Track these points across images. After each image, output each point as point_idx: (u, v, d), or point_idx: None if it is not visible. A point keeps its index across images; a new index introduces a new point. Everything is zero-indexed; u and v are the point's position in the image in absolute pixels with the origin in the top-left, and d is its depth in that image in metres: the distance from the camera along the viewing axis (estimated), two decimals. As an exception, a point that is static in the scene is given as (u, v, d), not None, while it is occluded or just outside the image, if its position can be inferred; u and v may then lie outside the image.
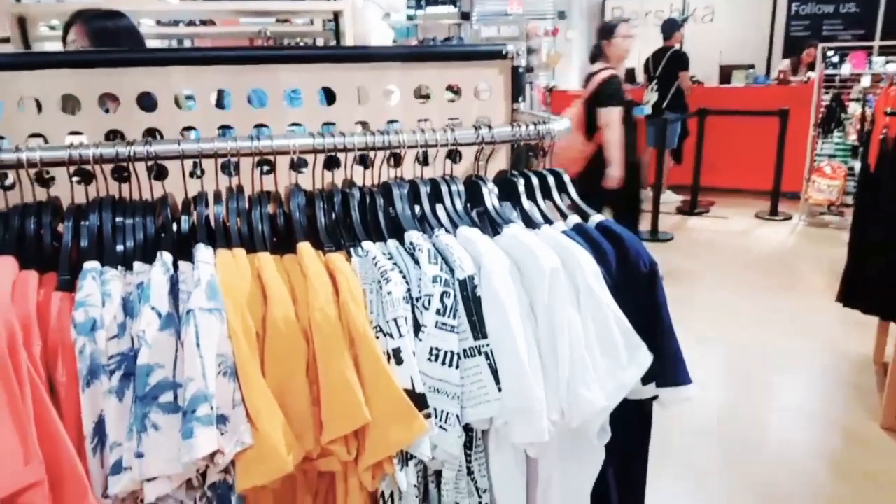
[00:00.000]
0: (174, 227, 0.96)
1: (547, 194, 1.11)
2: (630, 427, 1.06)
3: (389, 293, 0.87)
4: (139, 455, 0.78)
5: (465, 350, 0.92)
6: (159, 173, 1.00)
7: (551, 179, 1.11)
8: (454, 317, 0.91)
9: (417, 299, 0.90)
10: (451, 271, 0.92)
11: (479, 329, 0.92)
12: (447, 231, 1.00)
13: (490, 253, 0.94)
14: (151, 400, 0.79)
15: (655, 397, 1.03)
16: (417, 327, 0.90)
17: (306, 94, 1.26)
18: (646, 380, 1.00)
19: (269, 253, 0.93)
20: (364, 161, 1.10)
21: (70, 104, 1.16)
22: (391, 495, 0.94)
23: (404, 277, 0.92)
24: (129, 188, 0.99)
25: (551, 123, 1.11)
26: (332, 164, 1.09)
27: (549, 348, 0.93)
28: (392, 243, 0.98)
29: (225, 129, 1.26)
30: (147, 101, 1.18)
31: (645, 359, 0.97)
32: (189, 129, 1.22)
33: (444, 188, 1.06)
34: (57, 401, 0.79)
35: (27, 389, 0.75)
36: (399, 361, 0.87)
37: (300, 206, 1.00)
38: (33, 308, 0.80)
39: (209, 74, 1.21)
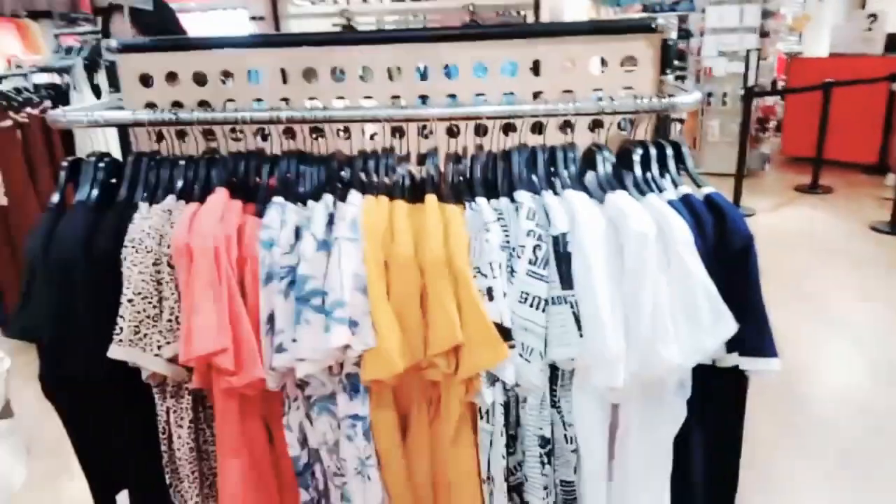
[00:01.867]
0: (340, 175, 1.22)
1: (663, 164, 1.17)
2: (721, 401, 1.11)
3: (487, 241, 1.04)
4: (294, 340, 1.06)
5: (553, 297, 1.06)
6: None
7: (669, 150, 1.17)
8: (545, 267, 1.05)
9: (513, 249, 1.06)
10: (548, 227, 1.06)
11: (566, 280, 1.05)
12: (554, 193, 1.13)
13: (584, 214, 1.05)
14: (305, 301, 1.06)
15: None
16: (512, 272, 1.06)
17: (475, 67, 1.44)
18: (731, 348, 1.04)
19: (403, 201, 1.15)
20: (508, 128, 1.26)
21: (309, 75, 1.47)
22: (486, 412, 1.13)
23: (505, 229, 1.08)
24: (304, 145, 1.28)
25: (678, 97, 1.16)
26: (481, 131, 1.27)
27: (633, 305, 1.03)
28: (504, 201, 1.13)
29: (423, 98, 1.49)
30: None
31: (728, 327, 1.01)
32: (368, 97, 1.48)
33: (559, 155, 1.18)
34: (244, 294, 1.10)
35: (224, 284, 1.07)
36: (491, 298, 1.04)
37: (435, 166, 1.20)
38: (234, 227, 1.11)
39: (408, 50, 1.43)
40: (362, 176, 1.21)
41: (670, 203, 1.08)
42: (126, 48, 1.48)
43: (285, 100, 1.45)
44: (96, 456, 1.28)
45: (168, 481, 1.24)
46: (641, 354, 1.02)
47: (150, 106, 1.47)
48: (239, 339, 1.08)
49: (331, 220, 1.11)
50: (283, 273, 1.09)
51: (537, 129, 1.31)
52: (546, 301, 1.06)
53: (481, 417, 1.13)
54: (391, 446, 1.18)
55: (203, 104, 1.44)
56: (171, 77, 1.45)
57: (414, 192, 1.19)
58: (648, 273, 1.02)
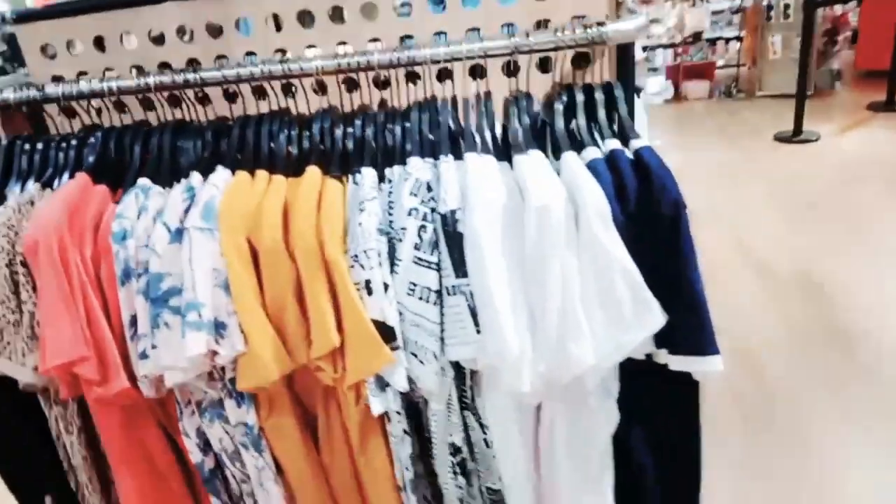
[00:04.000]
0: (221, 148, 1.05)
1: (592, 113, 0.94)
2: (665, 403, 0.91)
3: (360, 224, 0.86)
4: (154, 346, 0.93)
5: (448, 287, 0.87)
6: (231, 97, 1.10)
7: (599, 96, 0.94)
8: (433, 252, 0.86)
9: (395, 231, 0.87)
10: (435, 203, 0.86)
11: (460, 267, 0.86)
12: (456, 158, 0.92)
13: (478, 185, 0.85)
14: (163, 302, 0.92)
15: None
16: (395, 259, 0.88)
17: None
18: (660, 343, 0.84)
19: (283, 176, 0.97)
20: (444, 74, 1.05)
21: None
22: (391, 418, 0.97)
23: (391, 207, 0.89)
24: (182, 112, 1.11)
25: (610, 24, 0.92)
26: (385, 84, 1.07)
27: (537, 295, 0.83)
28: (397, 170, 0.94)
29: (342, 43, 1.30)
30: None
31: (654, 319, 0.81)
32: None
33: (471, 107, 0.96)
34: (104, 295, 0.97)
35: (76, 285, 0.94)
36: (370, 292, 0.87)
37: (324, 129, 1.01)
38: (91, 218, 0.97)
39: None
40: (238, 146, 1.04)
41: (592, 164, 0.86)
42: (22, 17, 1.35)
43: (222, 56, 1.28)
44: (9, 464, 1.21)
45: (73, 487, 1.16)
46: (550, 353, 0.83)
47: (58, 79, 1.34)
48: (100, 347, 0.95)
49: (190, 206, 0.96)
50: (141, 270, 0.94)
51: (482, 73, 1.08)
52: (437, 292, 0.87)
53: (389, 422, 0.98)
54: (295, 455, 1.04)
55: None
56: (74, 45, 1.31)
57: (302, 163, 1.02)
58: (554, 255, 0.81)
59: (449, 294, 0.87)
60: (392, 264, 0.87)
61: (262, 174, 0.98)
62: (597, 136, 0.92)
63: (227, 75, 1.04)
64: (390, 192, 0.91)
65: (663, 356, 0.84)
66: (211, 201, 0.92)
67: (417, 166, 0.91)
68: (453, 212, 0.85)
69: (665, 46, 6.94)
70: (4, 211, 1.00)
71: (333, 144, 1.01)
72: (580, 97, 0.94)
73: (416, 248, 0.86)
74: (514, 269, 0.84)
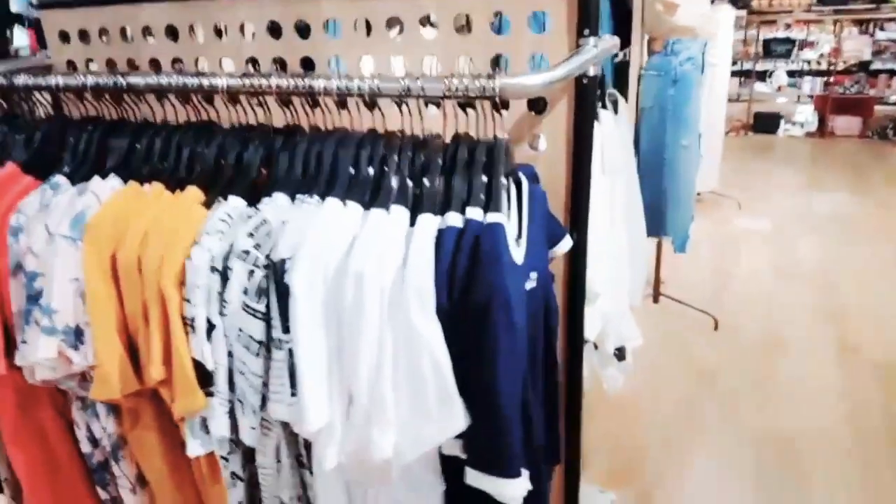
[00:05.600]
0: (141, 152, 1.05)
1: (473, 171, 0.83)
2: None
3: (190, 258, 0.82)
4: (24, 342, 0.96)
5: (276, 340, 0.82)
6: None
7: (482, 155, 0.83)
8: (259, 300, 0.81)
9: (225, 271, 0.82)
10: (269, 249, 0.81)
11: (285, 321, 0.80)
12: (319, 200, 0.86)
13: (315, 236, 0.78)
14: (34, 300, 0.94)
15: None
16: (224, 301, 0.83)
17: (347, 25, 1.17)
18: (465, 449, 0.73)
19: (164, 191, 0.95)
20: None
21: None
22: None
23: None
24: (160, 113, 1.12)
25: (504, 78, 0.80)
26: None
27: (350, 368, 0.76)
28: (266, 201, 0.89)
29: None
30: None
31: (455, 422, 0.70)
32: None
33: (360, 151, 0.88)
34: (4, 283, 1.01)
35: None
36: (193, 330, 0.83)
37: (227, 147, 0.98)
38: (7, 206, 1.01)
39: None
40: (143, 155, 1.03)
41: (442, 233, 0.76)
42: (46, 4, 1.44)
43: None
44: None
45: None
46: (358, 433, 0.75)
47: (71, 66, 1.43)
48: (-11, 332, 1.00)
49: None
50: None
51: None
52: (262, 343, 0.82)
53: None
54: (156, 468, 1.04)
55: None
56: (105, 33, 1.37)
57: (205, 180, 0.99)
58: (367, 329, 0.73)
59: (276, 348, 0.82)
60: (222, 305, 0.83)
61: (155, 187, 0.97)
62: (470, 199, 0.81)
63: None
64: (236, 224, 0.86)
65: (467, 469, 0.73)
66: (84, 212, 0.92)
67: (276, 203, 0.86)
68: (283, 261, 0.79)
69: (815, 74, 6.24)
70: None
71: (236, 164, 0.97)
72: (463, 153, 0.84)
73: (245, 292, 0.81)
74: (335, 337, 0.77)
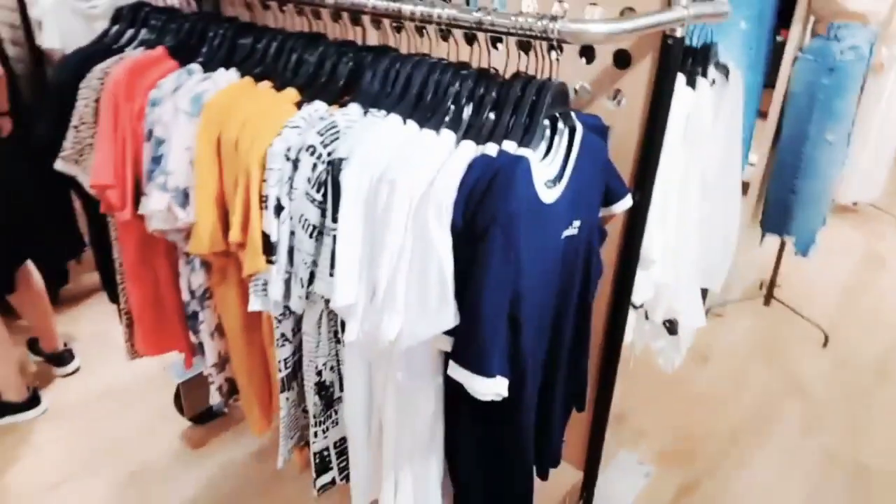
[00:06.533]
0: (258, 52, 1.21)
1: (522, 108, 0.89)
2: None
3: (272, 145, 0.96)
4: (145, 194, 1.17)
5: (327, 227, 0.95)
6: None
7: (532, 95, 0.88)
8: (319, 191, 0.94)
9: (296, 162, 0.96)
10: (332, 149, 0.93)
11: (335, 212, 0.92)
12: (385, 114, 0.96)
13: (366, 145, 0.89)
14: (157, 161, 1.15)
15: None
16: (293, 186, 0.97)
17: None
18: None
19: (269, 88, 1.11)
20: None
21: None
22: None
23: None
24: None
25: (564, 22, 0.85)
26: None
27: (374, 260, 0.87)
28: (343, 109, 1.01)
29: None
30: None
31: (446, 318, 0.80)
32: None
33: (429, 76, 0.97)
34: (139, 142, 1.23)
35: (119, 131, 1.21)
36: (265, 207, 0.98)
37: (325, 59, 1.11)
38: (149, 82, 1.22)
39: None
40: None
41: (476, 159, 0.84)
42: None
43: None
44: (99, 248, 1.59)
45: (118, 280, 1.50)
46: (374, 316, 0.87)
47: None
48: (123, 182, 1.23)
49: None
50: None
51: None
52: (315, 228, 0.96)
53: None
54: (231, 319, 1.24)
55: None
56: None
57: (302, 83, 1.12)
58: (390, 229, 0.84)
59: (326, 234, 0.95)
60: (290, 190, 0.97)
61: (263, 84, 1.13)
62: (510, 133, 0.88)
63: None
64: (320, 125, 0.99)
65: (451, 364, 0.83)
66: (202, 94, 1.10)
67: (349, 112, 0.98)
68: (340, 160, 0.91)
69: None
70: (110, 60, 1.31)
71: (329, 73, 1.10)
72: (516, 91, 0.90)
73: (308, 181, 0.95)
74: (369, 232, 0.88)
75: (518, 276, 0.80)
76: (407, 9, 0.98)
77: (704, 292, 1.65)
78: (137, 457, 1.85)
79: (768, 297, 2.94)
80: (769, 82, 2.44)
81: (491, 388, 0.81)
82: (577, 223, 0.98)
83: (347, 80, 1.07)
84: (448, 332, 0.82)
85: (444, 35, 0.99)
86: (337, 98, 1.05)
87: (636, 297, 1.26)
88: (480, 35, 0.95)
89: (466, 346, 0.81)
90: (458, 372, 0.82)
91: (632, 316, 1.32)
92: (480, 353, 0.80)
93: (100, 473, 1.79)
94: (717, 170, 1.41)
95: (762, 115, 2.48)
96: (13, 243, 1.91)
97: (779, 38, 2.49)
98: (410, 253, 0.83)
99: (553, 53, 0.89)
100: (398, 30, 1.11)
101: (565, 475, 1.50)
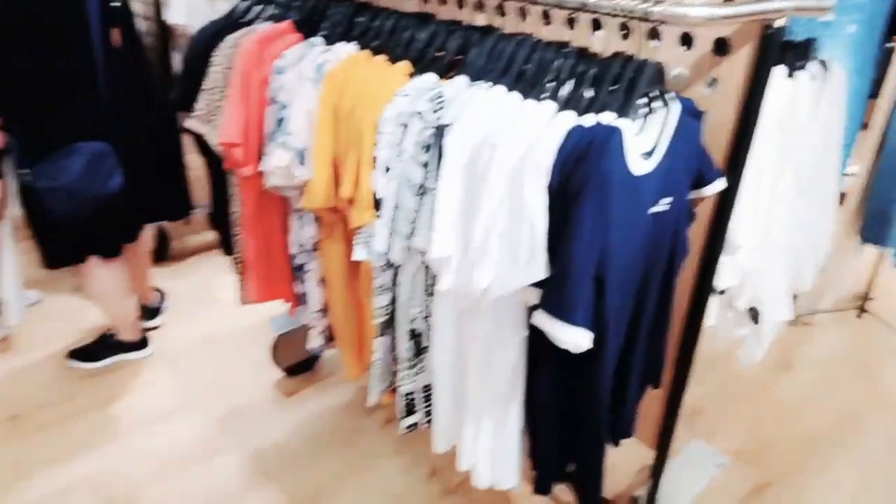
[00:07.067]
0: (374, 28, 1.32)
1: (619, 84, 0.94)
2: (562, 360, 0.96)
3: (384, 111, 1.06)
4: (266, 154, 1.31)
5: (429, 187, 1.04)
6: None
7: (630, 72, 0.93)
8: (425, 153, 1.03)
9: (405, 125, 1.05)
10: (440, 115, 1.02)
11: (437, 173, 1.01)
12: (490, 86, 1.04)
13: (470, 112, 0.97)
14: (279, 123, 1.28)
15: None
16: (402, 149, 1.07)
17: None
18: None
19: (385, 61, 1.21)
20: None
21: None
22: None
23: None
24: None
25: (664, 7, 0.90)
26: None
27: (472, 217, 0.95)
28: (450, 81, 1.09)
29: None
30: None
31: (536, 271, 0.87)
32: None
33: (533, 53, 1.04)
34: (263, 106, 1.36)
35: (250, 96, 1.34)
36: (375, 167, 1.08)
37: (435, 37, 1.20)
38: (276, 52, 1.35)
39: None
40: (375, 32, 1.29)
41: (574, 129, 0.91)
42: None
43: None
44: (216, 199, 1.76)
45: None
46: (467, 267, 0.96)
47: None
48: (248, 141, 1.37)
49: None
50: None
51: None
52: (420, 186, 1.05)
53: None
54: (333, 270, 1.36)
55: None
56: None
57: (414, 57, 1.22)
58: (488, 188, 0.92)
59: (427, 193, 1.04)
60: (399, 152, 1.07)
61: (379, 57, 1.23)
62: (607, 106, 0.94)
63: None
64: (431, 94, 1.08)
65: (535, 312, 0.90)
66: (325, 63, 1.21)
67: (456, 83, 1.06)
68: (445, 126, 1.00)
69: None
70: (240, 32, 1.45)
71: (439, 49, 1.19)
72: (615, 68, 0.95)
73: (416, 144, 1.04)
74: (467, 192, 0.97)
75: (606, 237, 0.86)
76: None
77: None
78: (234, 400, 2.03)
79: (861, 309, 2.83)
80: (873, 93, 2.35)
81: (573, 337, 0.87)
82: (666, 201, 1.03)
83: (456, 55, 1.15)
84: (536, 286, 0.90)
85: (546, 17, 1.06)
86: (446, 71, 1.14)
87: (720, 282, 1.29)
88: (582, 18, 1.01)
89: (553, 295, 0.88)
90: (542, 319, 0.89)
91: (715, 301, 1.34)
92: (566, 302, 0.87)
93: (200, 411, 1.98)
94: (813, 168, 1.40)
95: (864, 126, 2.39)
96: (141, 204, 2.10)
97: (889, 45, 2.38)
98: (506, 210, 0.91)
99: (652, 42, 0.95)
100: (501, 13, 1.19)
101: (637, 453, 1.54)
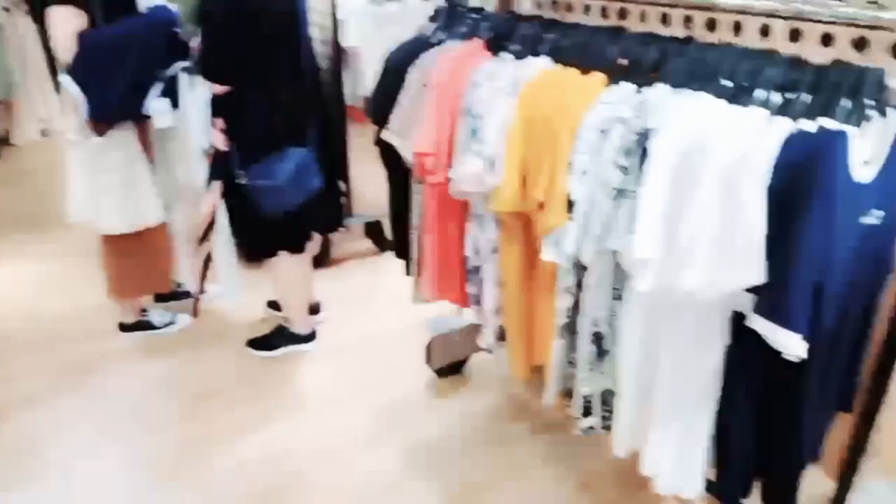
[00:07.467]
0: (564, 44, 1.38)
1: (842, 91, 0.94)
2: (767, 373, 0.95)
3: (583, 118, 1.12)
4: (458, 162, 1.40)
5: (627, 189, 1.08)
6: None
7: (851, 79, 0.92)
8: (626, 157, 1.07)
9: (605, 131, 1.10)
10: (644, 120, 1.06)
11: (639, 177, 1.05)
12: (695, 92, 1.06)
13: (678, 117, 1.00)
14: (473, 133, 1.37)
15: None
16: (599, 153, 1.11)
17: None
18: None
19: (578, 74, 1.27)
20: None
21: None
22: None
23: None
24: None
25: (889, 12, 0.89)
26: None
27: (679, 218, 0.98)
28: (652, 89, 1.13)
29: None
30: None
31: (752, 275, 0.88)
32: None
33: (741, 62, 1.05)
34: (455, 118, 1.46)
35: (445, 109, 1.45)
36: (571, 171, 1.14)
37: (634, 48, 1.24)
38: (469, 68, 1.45)
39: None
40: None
41: (794, 134, 0.91)
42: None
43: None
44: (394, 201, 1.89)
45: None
46: (672, 268, 0.98)
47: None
48: (439, 151, 1.47)
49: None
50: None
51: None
52: (617, 190, 1.09)
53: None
54: (510, 272, 1.43)
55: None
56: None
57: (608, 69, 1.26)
58: (699, 190, 0.94)
59: (626, 196, 1.08)
60: (596, 157, 1.12)
61: (572, 70, 1.29)
62: (826, 112, 0.93)
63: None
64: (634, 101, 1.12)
65: (751, 315, 0.90)
66: (520, 77, 1.30)
67: (659, 91, 1.10)
68: (650, 131, 1.03)
69: None
70: (434, 50, 1.57)
71: (634, 60, 1.23)
72: (831, 75, 0.95)
73: (616, 149, 1.08)
74: (674, 193, 0.99)
75: (830, 243, 0.85)
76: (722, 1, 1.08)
77: None
78: (391, 395, 2.15)
79: None
80: None
81: (795, 344, 0.87)
82: (878, 213, 1.00)
83: (653, 65, 1.19)
84: (749, 290, 0.90)
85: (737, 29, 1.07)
86: (644, 80, 1.17)
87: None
88: (777, 27, 1.01)
89: (775, 300, 0.88)
90: (761, 324, 0.90)
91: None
92: (790, 308, 0.87)
93: (362, 402, 2.11)
94: None
95: None
96: (311, 217, 2.28)
97: None
98: (718, 213, 0.93)
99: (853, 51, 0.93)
100: (710, 28, 1.21)
101: (817, 484, 1.46)
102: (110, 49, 1.94)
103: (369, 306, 2.67)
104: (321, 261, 2.97)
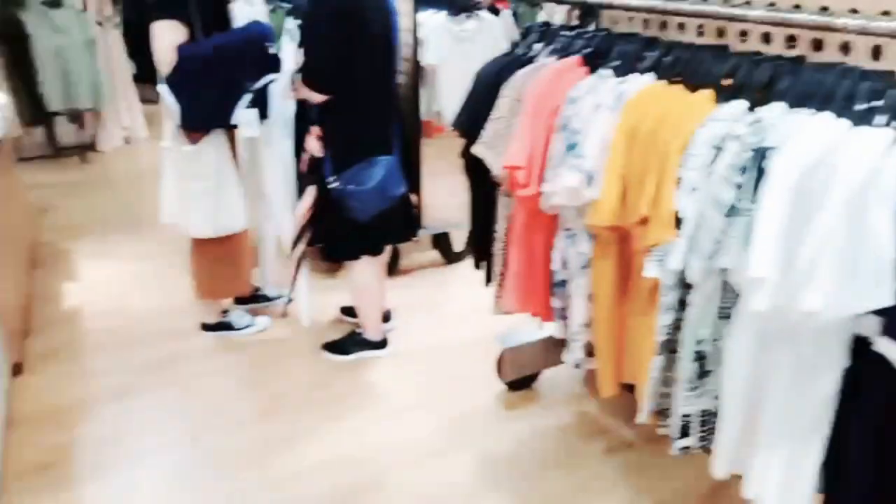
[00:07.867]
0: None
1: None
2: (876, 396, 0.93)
3: (694, 134, 1.12)
4: (553, 175, 1.42)
5: (741, 207, 1.07)
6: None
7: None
8: (740, 175, 1.06)
9: (719, 148, 1.10)
10: (760, 138, 1.05)
11: (754, 195, 1.04)
12: (812, 112, 1.06)
13: (798, 135, 0.99)
14: (571, 148, 1.38)
15: None
16: (711, 171, 1.11)
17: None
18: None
19: (684, 90, 1.27)
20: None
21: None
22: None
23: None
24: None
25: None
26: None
27: (800, 237, 0.97)
28: (765, 107, 1.12)
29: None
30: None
31: (881, 297, 0.86)
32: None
33: (860, 82, 1.04)
34: (550, 133, 1.48)
35: (539, 125, 1.47)
36: (679, 187, 1.14)
37: (739, 67, 1.24)
38: (568, 84, 1.47)
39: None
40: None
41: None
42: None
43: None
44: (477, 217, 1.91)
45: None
46: (792, 288, 0.97)
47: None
48: (531, 165, 1.49)
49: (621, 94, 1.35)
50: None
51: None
52: (731, 207, 1.08)
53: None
54: (602, 287, 1.43)
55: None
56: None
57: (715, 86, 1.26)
58: (823, 209, 0.93)
59: (739, 214, 1.07)
60: (708, 173, 1.11)
61: (677, 86, 1.30)
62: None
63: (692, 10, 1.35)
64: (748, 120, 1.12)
65: (878, 338, 0.88)
66: (624, 93, 1.30)
67: (773, 109, 1.09)
68: (766, 149, 1.03)
69: None
70: (528, 67, 1.59)
71: (744, 78, 1.22)
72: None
73: (729, 167, 1.08)
74: (795, 211, 0.98)
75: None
76: (800, 18, 1.07)
77: None
78: (462, 404, 2.16)
79: None
80: None
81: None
82: None
83: (764, 84, 1.19)
84: (876, 313, 0.89)
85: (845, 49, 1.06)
86: (755, 98, 1.17)
87: None
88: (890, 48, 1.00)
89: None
90: (890, 347, 0.88)
91: None
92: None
93: (434, 410, 2.13)
94: None
95: None
96: (392, 223, 2.32)
97: None
98: (843, 233, 0.91)
99: None
100: (816, 48, 1.20)
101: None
102: (206, 61, 2.04)
103: (438, 316, 2.69)
104: (390, 270, 3.02)
